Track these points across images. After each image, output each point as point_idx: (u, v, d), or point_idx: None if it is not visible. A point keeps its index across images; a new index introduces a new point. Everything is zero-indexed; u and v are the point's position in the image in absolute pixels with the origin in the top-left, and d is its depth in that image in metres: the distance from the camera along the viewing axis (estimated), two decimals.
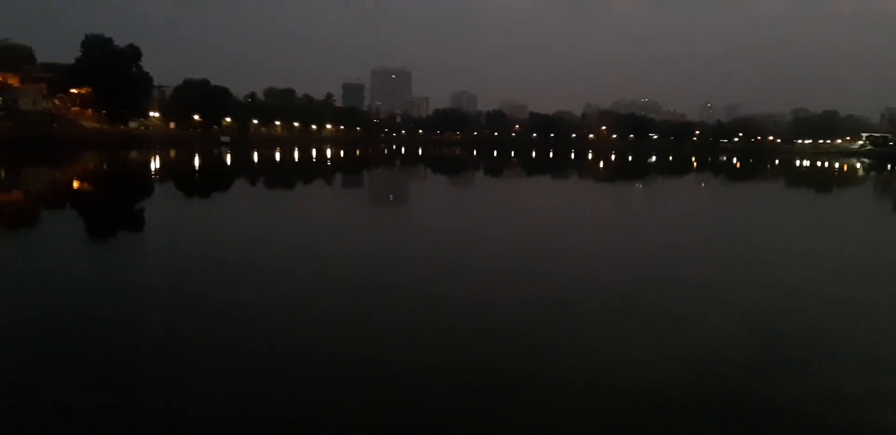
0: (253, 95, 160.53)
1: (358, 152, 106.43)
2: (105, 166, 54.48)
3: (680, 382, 7.67)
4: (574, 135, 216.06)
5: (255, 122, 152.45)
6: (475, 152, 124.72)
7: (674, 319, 10.39)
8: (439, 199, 34.57)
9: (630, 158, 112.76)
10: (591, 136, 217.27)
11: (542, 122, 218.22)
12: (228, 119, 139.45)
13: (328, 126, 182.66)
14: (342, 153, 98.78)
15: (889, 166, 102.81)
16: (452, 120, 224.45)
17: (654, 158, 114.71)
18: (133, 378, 7.46)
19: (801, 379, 7.90)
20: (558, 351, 8.68)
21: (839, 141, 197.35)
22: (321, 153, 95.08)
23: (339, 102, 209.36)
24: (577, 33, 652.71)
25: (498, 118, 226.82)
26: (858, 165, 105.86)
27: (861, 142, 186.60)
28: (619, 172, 69.81)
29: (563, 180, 55.83)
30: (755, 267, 15.31)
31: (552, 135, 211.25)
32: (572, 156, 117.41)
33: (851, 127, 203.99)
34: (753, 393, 7.35)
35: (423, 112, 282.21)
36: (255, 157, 75.81)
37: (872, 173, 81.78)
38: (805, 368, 8.31)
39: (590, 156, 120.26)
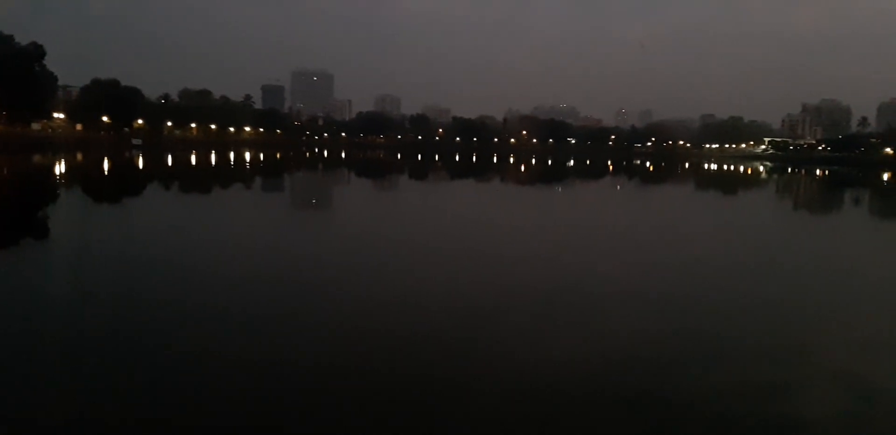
0: (167, 96, 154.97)
1: (279, 156, 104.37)
2: (4, 171, 51.26)
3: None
4: (496, 139, 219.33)
5: (170, 124, 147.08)
6: (399, 156, 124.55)
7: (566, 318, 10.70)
8: (362, 204, 34.31)
9: (550, 162, 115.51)
10: (512, 140, 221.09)
11: (465, 127, 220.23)
12: (140, 121, 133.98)
13: (247, 128, 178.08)
14: (262, 156, 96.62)
15: (789, 169, 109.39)
16: (376, 123, 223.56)
17: (572, 162, 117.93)
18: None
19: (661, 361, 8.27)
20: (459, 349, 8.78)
21: (743, 145, 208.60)
22: (240, 156, 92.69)
23: (258, 104, 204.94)
24: (497, 39, 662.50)
25: (422, 122, 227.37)
26: (762, 168, 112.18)
27: (764, 146, 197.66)
28: (539, 176, 71.37)
29: (486, 184, 56.56)
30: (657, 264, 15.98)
31: (475, 139, 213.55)
32: (495, 160, 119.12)
33: (755, 132, 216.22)
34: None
35: (346, 115, 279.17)
36: (169, 161, 73.08)
37: (774, 176, 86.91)
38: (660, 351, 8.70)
39: (511, 160, 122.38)
